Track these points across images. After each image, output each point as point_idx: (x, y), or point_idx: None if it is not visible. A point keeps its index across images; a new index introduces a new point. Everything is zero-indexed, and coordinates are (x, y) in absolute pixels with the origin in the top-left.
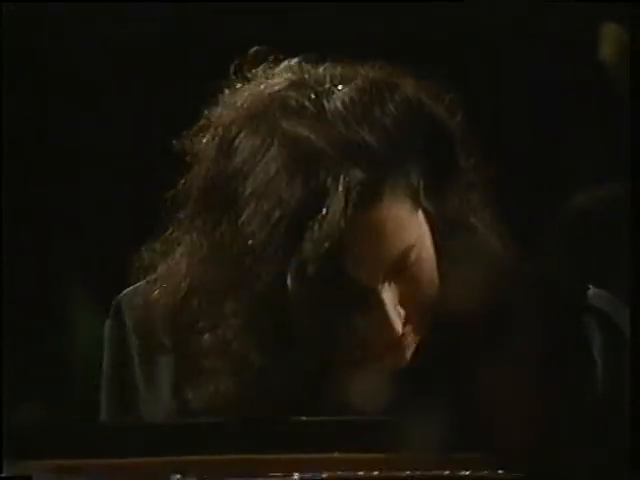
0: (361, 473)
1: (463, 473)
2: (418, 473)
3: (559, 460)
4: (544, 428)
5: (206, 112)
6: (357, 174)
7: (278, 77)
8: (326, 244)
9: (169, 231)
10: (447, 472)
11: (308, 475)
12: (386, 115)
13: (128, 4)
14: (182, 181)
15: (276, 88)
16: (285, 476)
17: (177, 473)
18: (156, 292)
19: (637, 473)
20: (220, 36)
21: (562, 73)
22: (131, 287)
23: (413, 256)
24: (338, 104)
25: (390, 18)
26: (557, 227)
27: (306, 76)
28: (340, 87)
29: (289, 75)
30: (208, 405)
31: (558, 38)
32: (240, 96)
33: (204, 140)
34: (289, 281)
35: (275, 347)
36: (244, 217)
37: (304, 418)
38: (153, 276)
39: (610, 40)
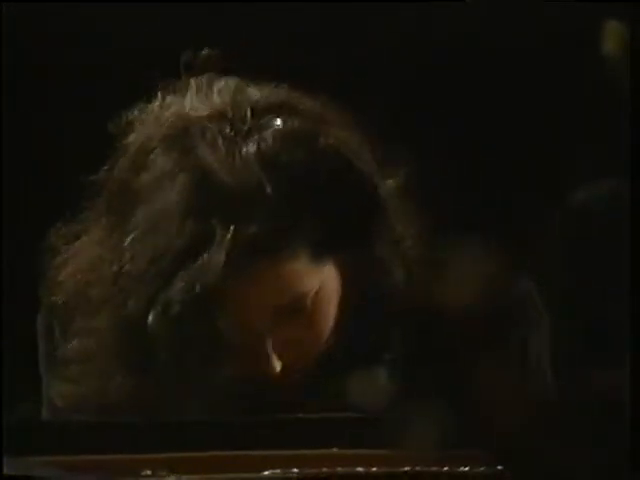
0: (360, 469)
1: (462, 469)
2: (417, 469)
3: (559, 460)
4: (544, 427)
5: (135, 112)
6: (250, 227)
7: (207, 99)
8: (196, 288)
9: (78, 219)
10: (446, 468)
11: (307, 471)
12: (297, 167)
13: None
14: (100, 173)
15: (200, 114)
16: (284, 472)
17: (175, 470)
18: (62, 274)
19: (637, 473)
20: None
21: (563, 72)
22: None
23: (304, 306)
24: (251, 149)
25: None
26: (556, 227)
27: (229, 111)
28: (262, 127)
29: (217, 102)
30: (65, 404)
31: (558, 37)
32: (167, 110)
33: (126, 141)
34: (150, 316)
35: (134, 369)
36: (131, 237)
37: (302, 415)
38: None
39: (613, 37)
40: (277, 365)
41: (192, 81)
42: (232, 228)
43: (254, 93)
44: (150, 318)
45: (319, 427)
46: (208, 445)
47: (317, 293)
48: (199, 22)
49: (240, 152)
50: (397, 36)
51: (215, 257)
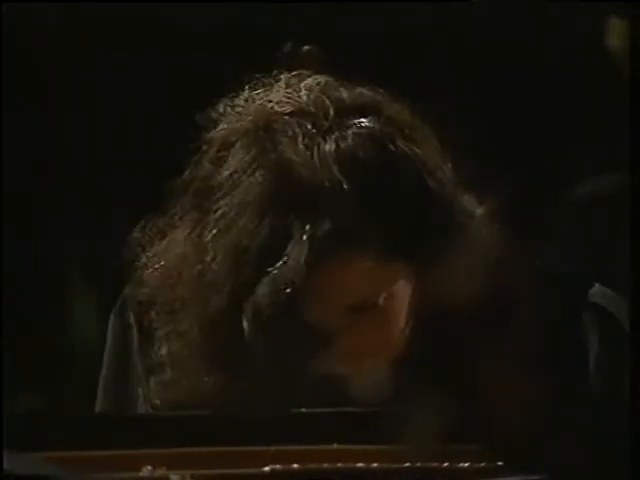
0: (360, 465)
1: (462, 465)
2: (418, 465)
3: (559, 459)
4: (544, 426)
5: (222, 106)
6: (326, 224)
7: (291, 96)
8: (283, 291)
9: (166, 217)
10: (446, 464)
11: (308, 467)
12: (373, 167)
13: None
14: (187, 171)
15: (282, 109)
16: (285, 468)
17: (174, 466)
18: (148, 272)
19: (637, 473)
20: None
21: (564, 69)
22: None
23: (378, 303)
24: (330, 147)
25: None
26: (557, 223)
27: (312, 108)
28: (343, 126)
29: (303, 99)
30: (164, 407)
31: (559, 37)
32: (249, 106)
33: (210, 136)
34: (245, 322)
35: (225, 370)
36: (212, 234)
37: (304, 410)
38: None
39: (617, 33)
40: (344, 368)
41: (282, 77)
42: (309, 225)
43: (341, 92)
44: (245, 325)
45: (319, 423)
46: (208, 441)
47: (388, 298)
48: (297, 17)
49: (319, 149)
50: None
51: (295, 257)
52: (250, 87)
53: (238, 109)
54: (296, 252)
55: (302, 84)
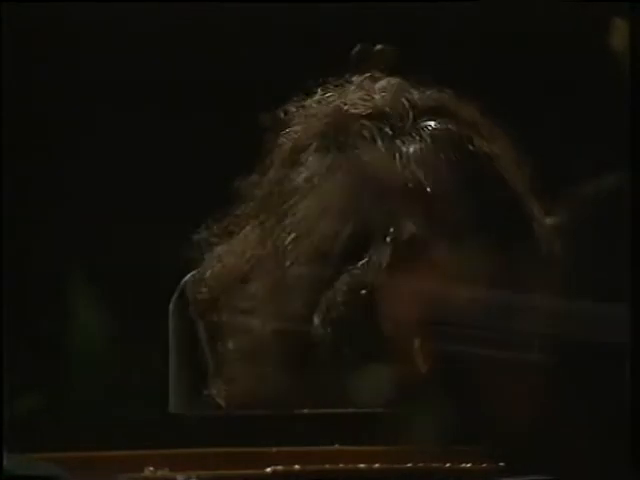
0: (362, 466)
1: (464, 466)
2: (419, 465)
3: (559, 458)
4: (545, 426)
5: (290, 110)
6: (409, 227)
7: (366, 98)
8: (360, 291)
9: (229, 219)
10: (448, 465)
11: (309, 468)
12: (453, 168)
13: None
14: (253, 175)
15: (358, 111)
16: (286, 469)
17: (175, 466)
18: (214, 270)
19: (637, 473)
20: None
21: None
22: (194, 271)
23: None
24: (410, 149)
25: None
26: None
27: (388, 110)
28: (419, 128)
29: (378, 100)
30: (226, 403)
31: (559, 35)
32: (322, 108)
33: (281, 138)
34: (315, 319)
35: (293, 369)
36: (292, 237)
37: (305, 411)
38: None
39: (619, 33)
40: (424, 367)
41: (354, 79)
42: (392, 229)
43: (414, 94)
44: (315, 321)
45: (320, 423)
46: (208, 441)
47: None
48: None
49: (400, 151)
50: None
51: (377, 259)
52: (322, 89)
53: (310, 111)
54: (378, 254)
55: (376, 86)
